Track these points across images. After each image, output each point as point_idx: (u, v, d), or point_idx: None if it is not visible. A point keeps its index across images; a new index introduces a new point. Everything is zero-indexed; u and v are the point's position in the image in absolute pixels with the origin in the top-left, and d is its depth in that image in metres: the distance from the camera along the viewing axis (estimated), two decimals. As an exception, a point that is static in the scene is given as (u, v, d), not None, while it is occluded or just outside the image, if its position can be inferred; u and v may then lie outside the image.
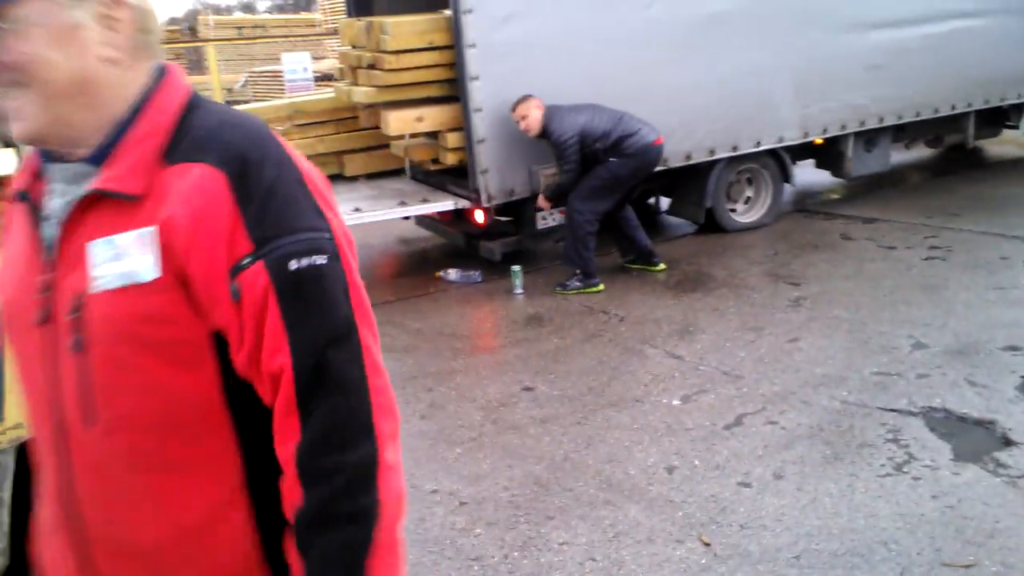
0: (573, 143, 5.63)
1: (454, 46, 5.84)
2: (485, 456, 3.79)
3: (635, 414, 4.09)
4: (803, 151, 7.60)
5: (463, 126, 6.05)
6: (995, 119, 8.76)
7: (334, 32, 12.60)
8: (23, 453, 2.93)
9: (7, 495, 2.65)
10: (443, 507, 3.42)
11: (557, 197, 5.92)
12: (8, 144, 3.07)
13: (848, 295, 5.50)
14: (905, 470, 3.43)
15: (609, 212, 5.92)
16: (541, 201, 6.07)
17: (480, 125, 5.94)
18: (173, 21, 16.92)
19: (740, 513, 3.20)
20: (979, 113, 8.36)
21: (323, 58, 11.85)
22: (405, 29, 5.77)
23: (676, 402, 4.19)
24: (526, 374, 4.67)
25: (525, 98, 5.72)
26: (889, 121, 7.66)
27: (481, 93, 5.88)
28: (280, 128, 6.89)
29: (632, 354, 4.84)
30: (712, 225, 7.12)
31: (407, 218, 7.01)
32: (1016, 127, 8.82)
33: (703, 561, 2.96)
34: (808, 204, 8.06)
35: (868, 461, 3.51)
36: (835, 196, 8.37)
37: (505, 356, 4.97)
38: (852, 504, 3.21)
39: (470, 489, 3.53)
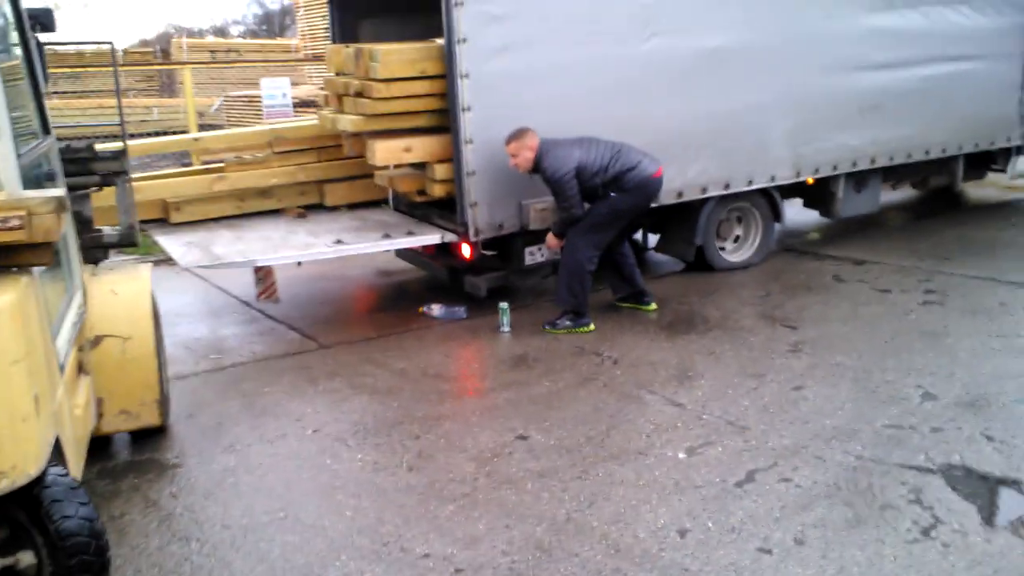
0: (569, 179, 5.42)
1: (446, 76, 5.62)
2: (480, 515, 3.51)
3: (639, 468, 3.83)
4: (791, 190, 7.47)
5: (452, 158, 5.81)
6: (982, 162, 8.75)
7: (313, 58, 12.37)
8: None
9: None
10: (436, 574, 3.12)
11: (564, 233, 5.68)
12: None
13: (847, 340, 5.32)
14: (933, 535, 3.21)
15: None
16: (550, 240, 5.82)
17: (471, 157, 5.71)
18: (145, 43, 16.58)
19: (763, 585, 2.95)
20: (967, 156, 8.33)
21: (301, 84, 11.60)
22: (396, 57, 5.55)
23: (682, 455, 3.95)
24: (518, 420, 4.40)
25: (520, 133, 5.49)
26: (881, 162, 7.58)
27: (473, 125, 5.65)
28: (259, 155, 6.61)
29: (630, 400, 4.59)
30: (700, 263, 6.95)
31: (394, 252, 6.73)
32: (1003, 170, 8.81)
33: (727, 641, 2.70)
34: (794, 243, 7.94)
35: (893, 525, 3.29)
36: (817, 236, 8.26)
37: (495, 400, 4.69)
38: (883, 575, 2.97)
39: (466, 553, 3.24)
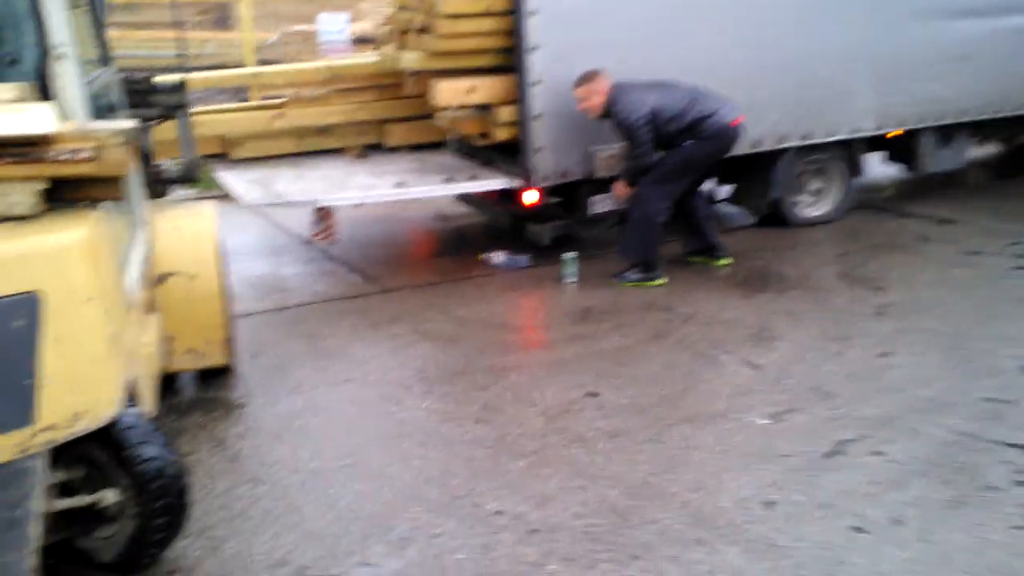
0: (643, 125, 5.14)
1: (513, 12, 5.34)
2: (552, 473, 3.36)
3: (719, 433, 3.64)
4: (872, 143, 7.07)
5: (518, 99, 5.56)
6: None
7: (371, -7, 12.04)
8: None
9: (36, 505, 2.29)
10: (510, 533, 2.99)
11: (635, 181, 5.43)
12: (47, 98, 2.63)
13: (936, 305, 5.02)
14: (1041, 521, 2.99)
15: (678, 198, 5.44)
16: (618, 188, 5.57)
17: (537, 100, 5.45)
18: (201, -25, 16.34)
19: (860, 567, 2.76)
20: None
21: (359, 20, 11.32)
22: (463, -9, 5.28)
23: (764, 421, 3.75)
24: (588, 376, 4.23)
25: (591, 76, 5.21)
26: (970, 116, 7.11)
27: (541, 65, 5.38)
28: (317, 92, 6.42)
29: (705, 360, 4.39)
30: (775, 218, 6.64)
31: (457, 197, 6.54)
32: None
33: (823, 624, 2.53)
34: (873, 199, 7.54)
35: (996, 508, 3.06)
36: (892, 191, 7.86)
37: (562, 354, 4.52)
38: (989, 563, 2.77)
39: (538, 513, 3.10)
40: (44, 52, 2.61)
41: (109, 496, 2.61)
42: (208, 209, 4.29)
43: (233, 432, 3.71)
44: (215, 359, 4.06)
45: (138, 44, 11.77)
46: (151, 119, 4.37)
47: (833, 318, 4.90)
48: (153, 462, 2.59)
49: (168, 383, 4.13)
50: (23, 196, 2.33)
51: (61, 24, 2.64)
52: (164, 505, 2.63)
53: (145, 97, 4.29)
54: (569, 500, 3.17)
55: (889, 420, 3.71)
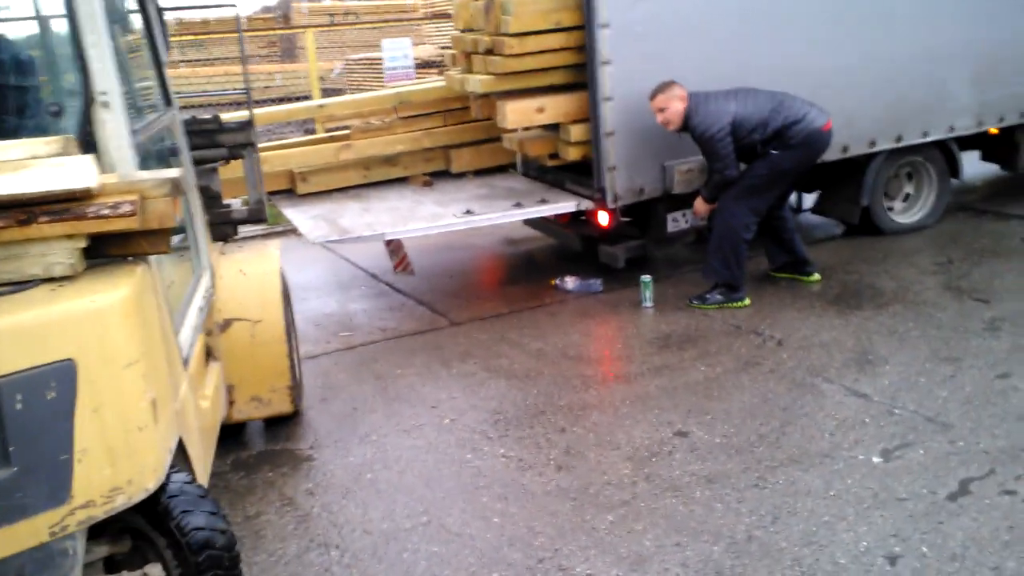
0: (723, 136, 4.83)
1: (584, 27, 5.11)
2: (645, 528, 3.08)
3: (827, 475, 3.30)
4: (967, 142, 6.58)
5: (589, 117, 5.32)
6: None
7: (431, 16, 12.02)
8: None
9: None
10: (602, 601, 2.73)
11: (716, 197, 5.12)
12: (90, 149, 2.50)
13: (1058, 318, 4.57)
14: None
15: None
16: (698, 204, 5.27)
17: (610, 116, 5.20)
18: (267, 9, 16.69)
19: (1010, 638, 2.41)
20: None
21: (421, 44, 11.28)
22: (529, 9, 5.06)
23: (876, 459, 3.39)
24: (675, 413, 3.93)
25: (666, 85, 4.94)
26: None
27: (613, 80, 5.13)
28: (385, 120, 6.30)
29: (803, 390, 4.04)
30: (865, 226, 6.22)
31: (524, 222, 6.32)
32: None
33: None
34: (970, 201, 7.03)
35: None
36: (984, 192, 7.31)
37: (646, 388, 4.24)
38: None
39: None
40: (89, 100, 2.47)
41: (154, 572, 2.42)
42: (273, 250, 4.17)
43: (303, 488, 3.54)
44: (281, 407, 3.92)
45: (207, 80, 12.00)
46: (217, 159, 4.31)
47: (941, 336, 4.49)
48: (199, 532, 2.38)
49: (235, 432, 4.01)
50: (62, 256, 2.20)
51: (106, 70, 2.48)
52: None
53: (212, 137, 4.23)
54: (667, 560, 2.89)
55: (1017, 452, 3.33)
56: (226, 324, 3.76)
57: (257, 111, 5.88)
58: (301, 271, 6.32)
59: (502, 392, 4.31)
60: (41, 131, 2.47)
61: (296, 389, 4.06)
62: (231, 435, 4.00)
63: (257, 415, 3.91)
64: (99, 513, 2.15)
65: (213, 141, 4.26)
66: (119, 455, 2.17)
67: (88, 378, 2.11)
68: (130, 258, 2.39)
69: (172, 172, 2.35)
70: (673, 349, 4.66)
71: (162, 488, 2.35)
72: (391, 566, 2.97)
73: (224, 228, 4.36)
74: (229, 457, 3.84)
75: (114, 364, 2.17)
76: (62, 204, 2.15)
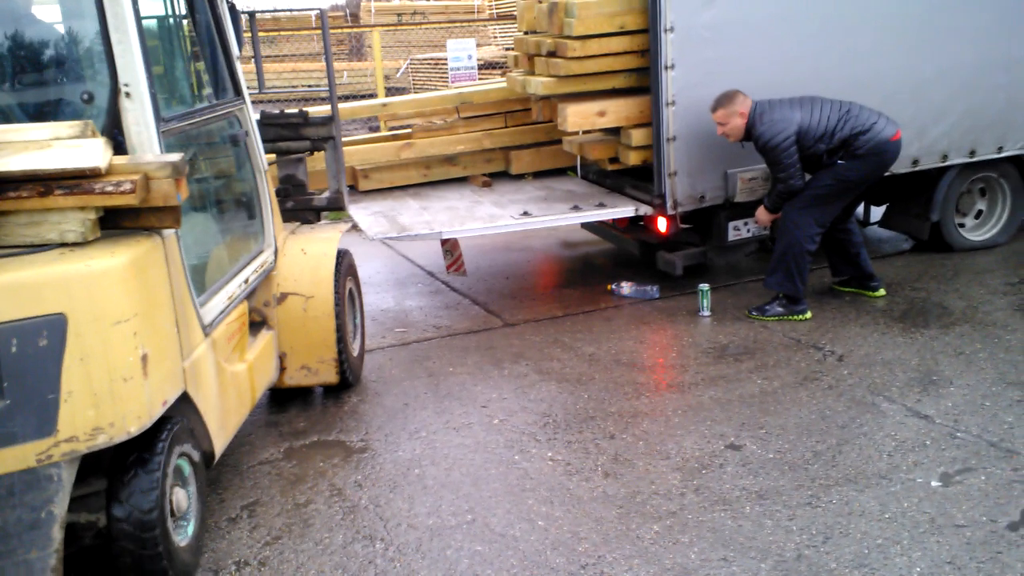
0: (788, 145, 4.74)
1: (648, 30, 5.07)
2: (691, 540, 3.04)
3: (883, 497, 3.21)
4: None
5: (651, 122, 5.27)
6: None
7: (497, 18, 12.07)
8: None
9: (60, 510, 2.42)
10: (644, 611, 2.70)
11: (779, 208, 5.03)
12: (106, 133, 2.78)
13: None
14: None
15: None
16: (760, 214, 5.19)
17: (672, 121, 5.15)
18: (336, 7, 16.96)
19: None
20: None
21: (485, 45, 11.33)
22: (593, 11, 5.04)
23: (935, 483, 3.28)
24: (729, 426, 3.87)
25: (728, 99, 4.85)
26: None
27: (676, 84, 5.08)
28: (447, 120, 6.35)
29: (863, 408, 3.94)
30: (935, 242, 6.03)
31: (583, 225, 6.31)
32: None
33: None
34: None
35: None
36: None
37: (699, 398, 4.18)
38: None
39: (677, 588, 2.79)
40: (115, 91, 2.78)
41: (103, 520, 2.72)
42: (334, 233, 4.42)
43: (352, 480, 3.58)
44: (327, 377, 4.19)
45: (277, 75, 12.25)
46: (302, 151, 4.75)
47: (1010, 359, 4.33)
48: (121, 507, 2.66)
49: (289, 398, 4.29)
50: (75, 224, 2.55)
51: (131, 64, 2.78)
52: (127, 550, 2.68)
53: (297, 130, 4.66)
54: (712, 575, 2.84)
55: (1091, 487, 3.18)
56: (282, 297, 4.07)
57: (323, 108, 6.01)
58: (360, 266, 6.34)
59: (553, 395, 4.30)
60: (76, 116, 2.82)
61: (348, 363, 4.28)
62: (287, 422, 4.09)
63: (306, 382, 4.20)
64: (82, 448, 2.49)
65: (298, 134, 4.71)
66: (103, 400, 2.50)
67: (77, 331, 2.45)
68: (145, 231, 2.73)
69: (173, 156, 2.67)
70: (729, 360, 4.59)
71: (133, 451, 2.70)
72: (434, 562, 2.99)
73: (306, 215, 4.80)
74: (282, 445, 3.92)
75: (104, 320, 2.50)
76: (75, 180, 2.52)
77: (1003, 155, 5.89)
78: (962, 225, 6.12)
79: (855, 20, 5.34)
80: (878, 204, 6.36)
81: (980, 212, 6.20)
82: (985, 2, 5.56)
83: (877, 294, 5.28)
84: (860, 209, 6.52)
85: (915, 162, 5.63)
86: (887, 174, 5.23)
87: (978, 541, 2.92)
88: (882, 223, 6.32)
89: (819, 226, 4.93)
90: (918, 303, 5.19)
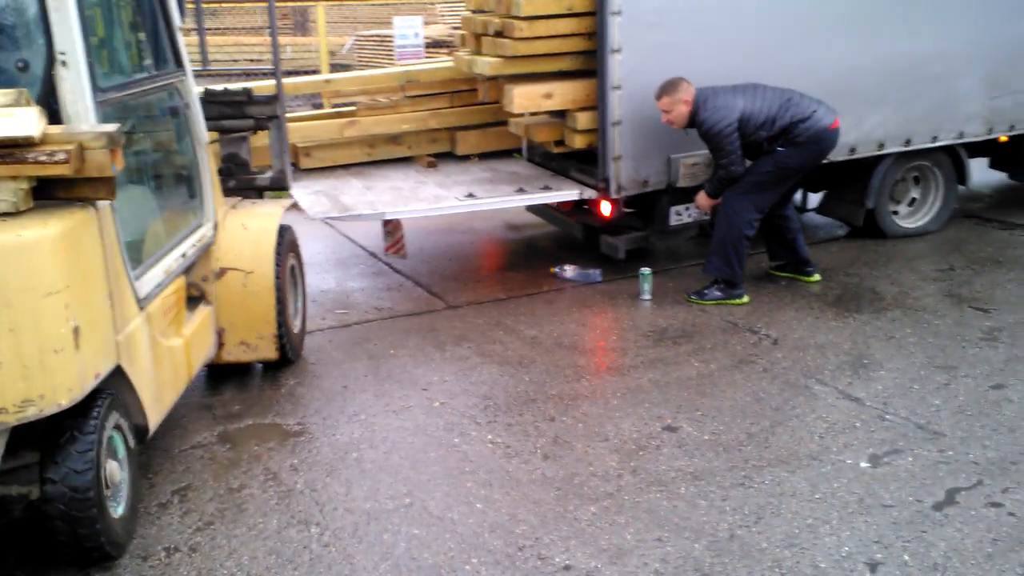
0: (730, 131, 4.79)
1: (596, 13, 5.06)
2: (627, 521, 3.08)
3: (813, 478, 3.29)
4: (976, 148, 6.52)
5: (596, 105, 5.28)
6: None
7: (445, -4, 11.93)
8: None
9: None
10: (580, 592, 2.72)
11: (720, 193, 5.09)
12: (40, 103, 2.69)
13: (1057, 331, 4.54)
14: None
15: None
16: (700, 199, 5.24)
17: (617, 105, 5.15)
18: (280, -19, 16.55)
19: (986, 651, 2.40)
20: None
21: (433, 23, 11.20)
22: (541, -9, 5.02)
23: (864, 464, 3.38)
24: (666, 408, 3.92)
25: (672, 86, 4.88)
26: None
27: (622, 68, 5.08)
28: (392, 99, 6.25)
29: (796, 391, 4.03)
30: (869, 229, 6.18)
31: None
32: None
33: None
34: (975, 209, 6.98)
35: None
36: (989, 200, 7.26)
37: (638, 381, 4.22)
38: None
39: (612, 569, 2.82)
40: (50, 59, 2.71)
41: (35, 493, 2.69)
42: (276, 209, 4.37)
43: (288, 464, 3.53)
44: (266, 353, 4.15)
45: (218, 49, 11.92)
46: (245, 130, 4.65)
47: (938, 344, 4.47)
48: (55, 479, 2.61)
49: (225, 379, 4.25)
50: (6, 194, 2.47)
51: (67, 32, 2.72)
52: (62, 522, 2.64)
53: (241, 108, 4.57)
54: (647, 555, 2.88)
55: (1007, 465, 3.31)
56: (221, 272, 4.01)
57: (263, 83, 5.86)
58: (301, 246, 6.28)
59: (494, 378, 4.29)
60: (10, 84, 2.71)
61: (288, 340, 4.24)
62: (221, 404, 4.01)
63: (245, 358, 4.16)
64: (11, 420, 2.46)
65: (242, 112, 4.61)
66: (33, 372, 2.46)
67: (7, 301, 2.41)
68: (79, 202, 2.66)
69: (108, 126, 2.60)
70: (668, 343, 4.65)
71: (66, 424, 2.65)
72: (370, 546, 2.97)
73: (249, 194, 4.71)
74: (216, 429, 3.84)
75: (34, 292, 2.45)
76: (7, 149, 2.44)
77: (937, 144, 6.05)
78: (896, 212, 6.28)
79: (798, 9, 5.41)
80: (815, 191, 6.49)
81: (914, 200, 6.36)
82: (921, -3, 5.70)
83: (812, 279, 5.40)
84: (798, 195, 6.66)
85: (852, 150, 5.75)
86: (825, 161, 5.33)
87: (904, 520, 3.02)
88: (819, 210, 6.45)
89: (758, 212, 5.00)
90: (851, 288, 5.32)
